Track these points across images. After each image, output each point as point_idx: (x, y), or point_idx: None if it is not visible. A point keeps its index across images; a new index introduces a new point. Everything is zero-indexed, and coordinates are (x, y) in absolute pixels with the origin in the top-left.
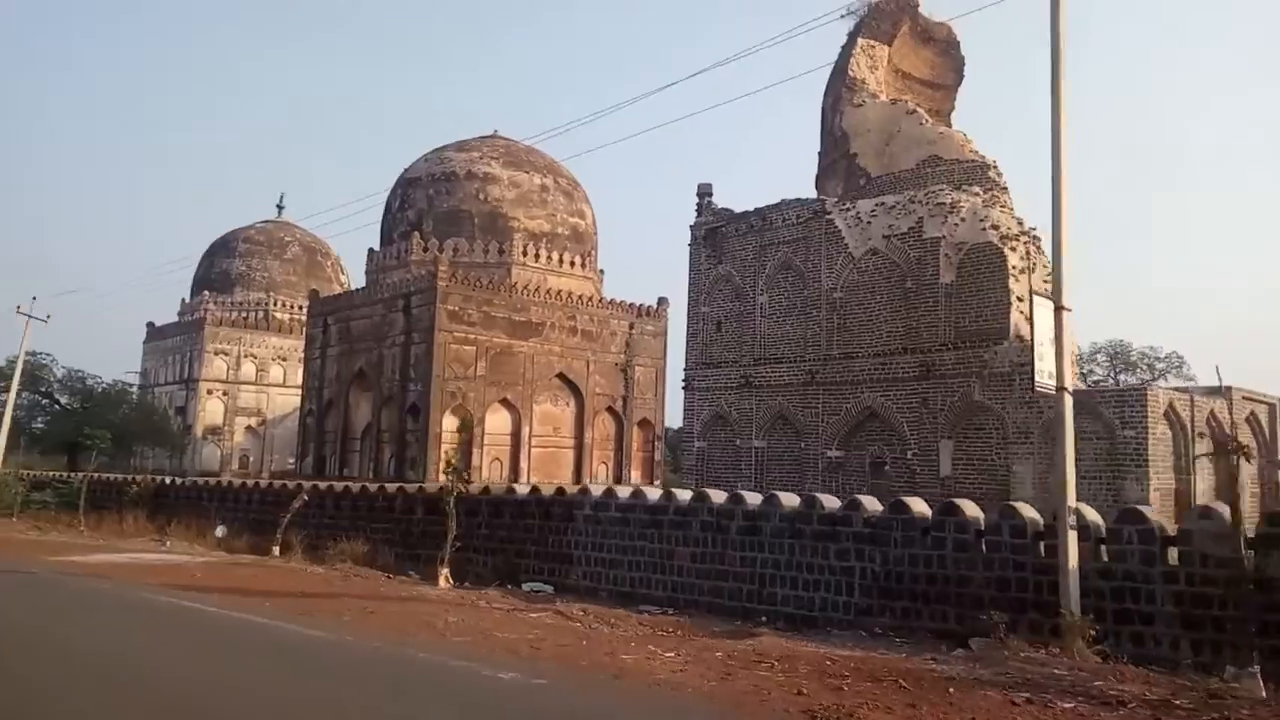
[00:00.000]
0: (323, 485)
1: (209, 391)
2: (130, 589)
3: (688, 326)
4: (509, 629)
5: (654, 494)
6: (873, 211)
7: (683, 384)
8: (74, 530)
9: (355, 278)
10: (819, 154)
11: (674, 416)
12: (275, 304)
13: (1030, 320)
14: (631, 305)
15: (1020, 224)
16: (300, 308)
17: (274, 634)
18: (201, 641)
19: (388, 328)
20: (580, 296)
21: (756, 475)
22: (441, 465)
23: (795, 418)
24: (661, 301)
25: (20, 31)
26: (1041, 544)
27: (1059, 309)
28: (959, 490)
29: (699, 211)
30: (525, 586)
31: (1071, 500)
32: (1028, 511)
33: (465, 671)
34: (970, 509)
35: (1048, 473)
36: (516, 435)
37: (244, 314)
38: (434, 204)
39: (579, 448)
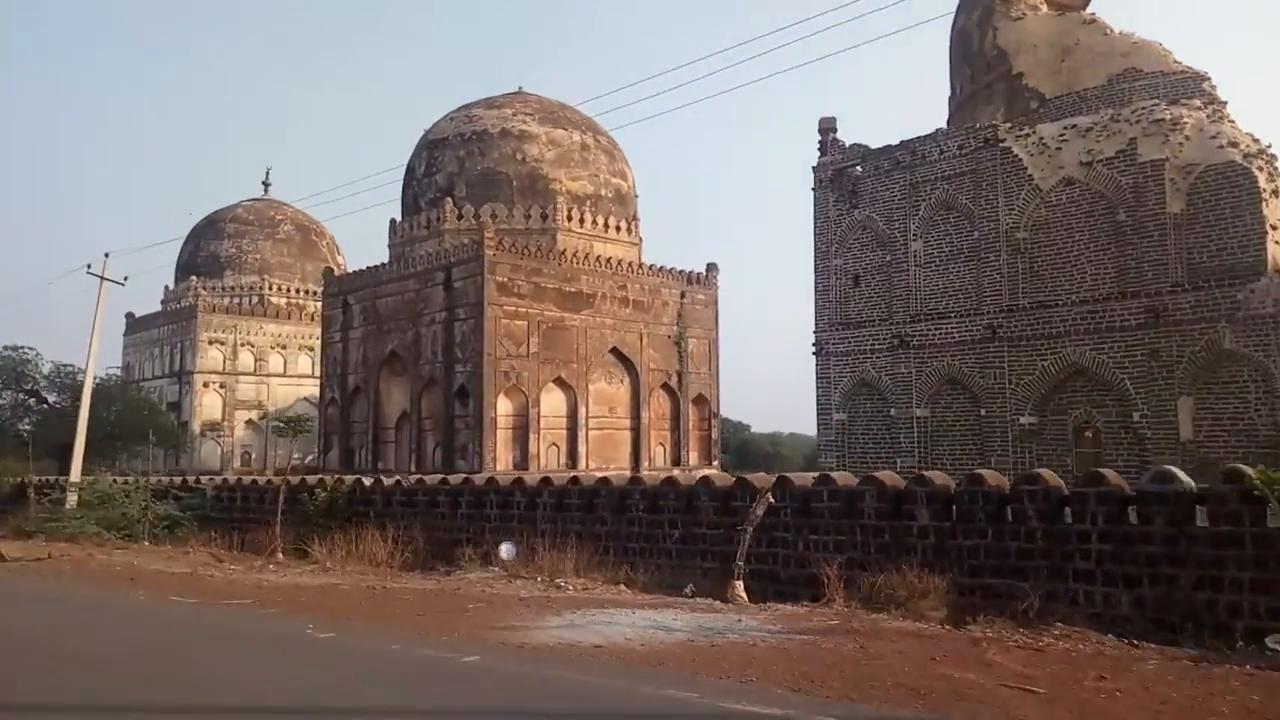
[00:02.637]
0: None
1: (205, 384)
2: None
3: (816, 283)
4: None
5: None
6: (1062, 135)
7: (813, 349)
8: (239, 558)
9: (350, 258)
10: (954, 84)
11: (727, 392)
12: (270, 288)
13: None
14: (681, 272)
15: (1256, 140)
16: (297, 290)
17: None
18: None
19: (424, 304)
20: (629, 264)
21: (920, 449)
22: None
23: (971, 380)
24: (711, 268)
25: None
26: None
27: None
28: (1206, 456)
29: (823, 149)
30: (1270, 642)
31: None
32: None
33: None
34: None
35: None
36: (573, 417)
37: (237, 299)
38: (465, 166)
39: (636, 428)
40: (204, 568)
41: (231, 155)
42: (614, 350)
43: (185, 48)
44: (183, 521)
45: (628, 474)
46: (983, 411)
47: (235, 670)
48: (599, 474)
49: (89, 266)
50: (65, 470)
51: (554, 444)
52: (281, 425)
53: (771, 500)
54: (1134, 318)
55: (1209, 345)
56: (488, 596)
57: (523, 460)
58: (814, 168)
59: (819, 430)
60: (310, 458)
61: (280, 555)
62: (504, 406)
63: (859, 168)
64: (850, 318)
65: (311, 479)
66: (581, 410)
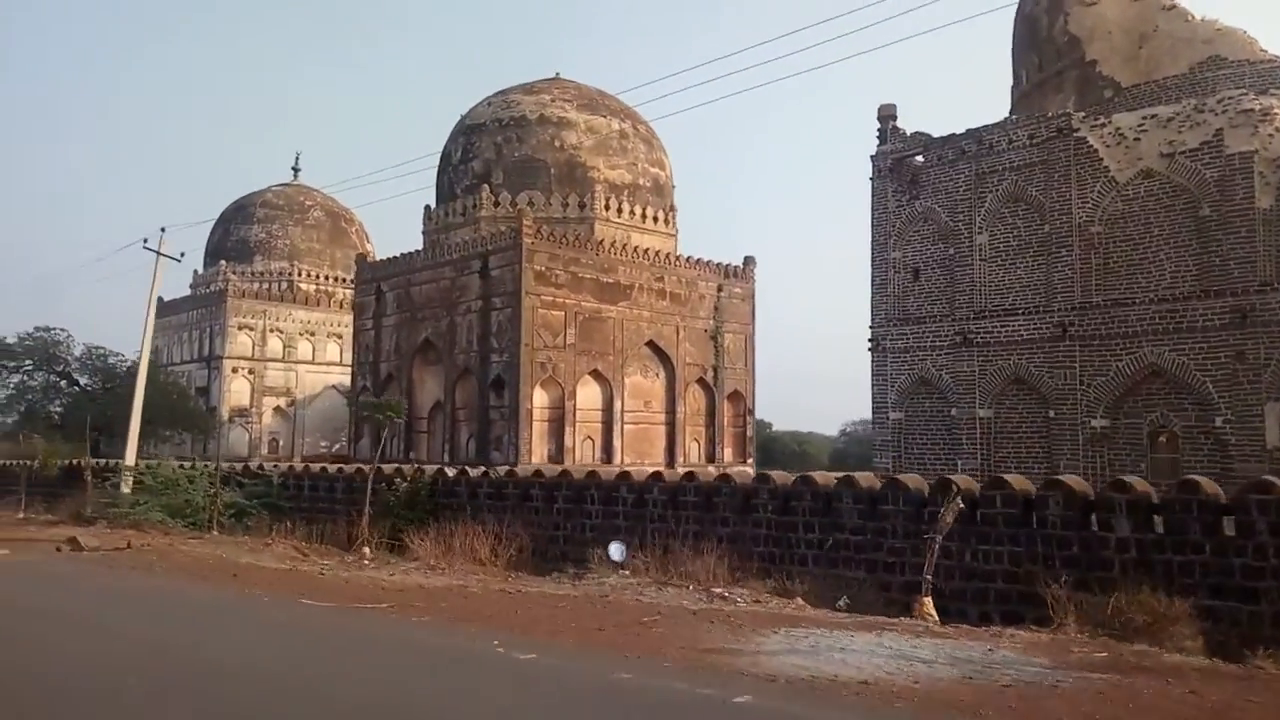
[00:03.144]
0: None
1: (234, 370)
2: None
3: (872, 276)
4: None
5: None
6: (1140, 126)
7: (869, 344)
8: (325, 551)
9: (378, 246)
10: (1019, 71)
11: (762, 388)
12: (299, 274)
13: None
14: (719, 265)
15: None
16: (327, 277)
17: None
18: None
19: (459, 293)
20: (667, 255)
21: (982, 451)
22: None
23: (1039, 380)
24: (748, 261)
25: None
26: None
27: None
28: None
29: (882, 138)
30: None
31: None
32: None
33: None
34: None
35: None
36: (608, 410)
37: (266, 284)
38: (503, 153)
39: (671, 424)
40: (294, 561)
41: (259, 141)
42: (650, 343)
43: (213, 35)
44: (250, 510)
45: (663, 470)
46: (1051, 413)
47: (489, 713)
48: (634, 469)
49: (145, 241)
50: (96, 453)
51: (589, 437)
52: (373, 407)
53: (961, 506)
54: (1218, 317)
55: None
56: (651, 607)
57: (558, 453)
58: (872, 156)
59: (874, 429)
60: (338, 446)
61: (368, 550)
62: (540, 398)
63: (920, 157)
64: (909, 312)
65: (387, 468)
66: (617, 404)
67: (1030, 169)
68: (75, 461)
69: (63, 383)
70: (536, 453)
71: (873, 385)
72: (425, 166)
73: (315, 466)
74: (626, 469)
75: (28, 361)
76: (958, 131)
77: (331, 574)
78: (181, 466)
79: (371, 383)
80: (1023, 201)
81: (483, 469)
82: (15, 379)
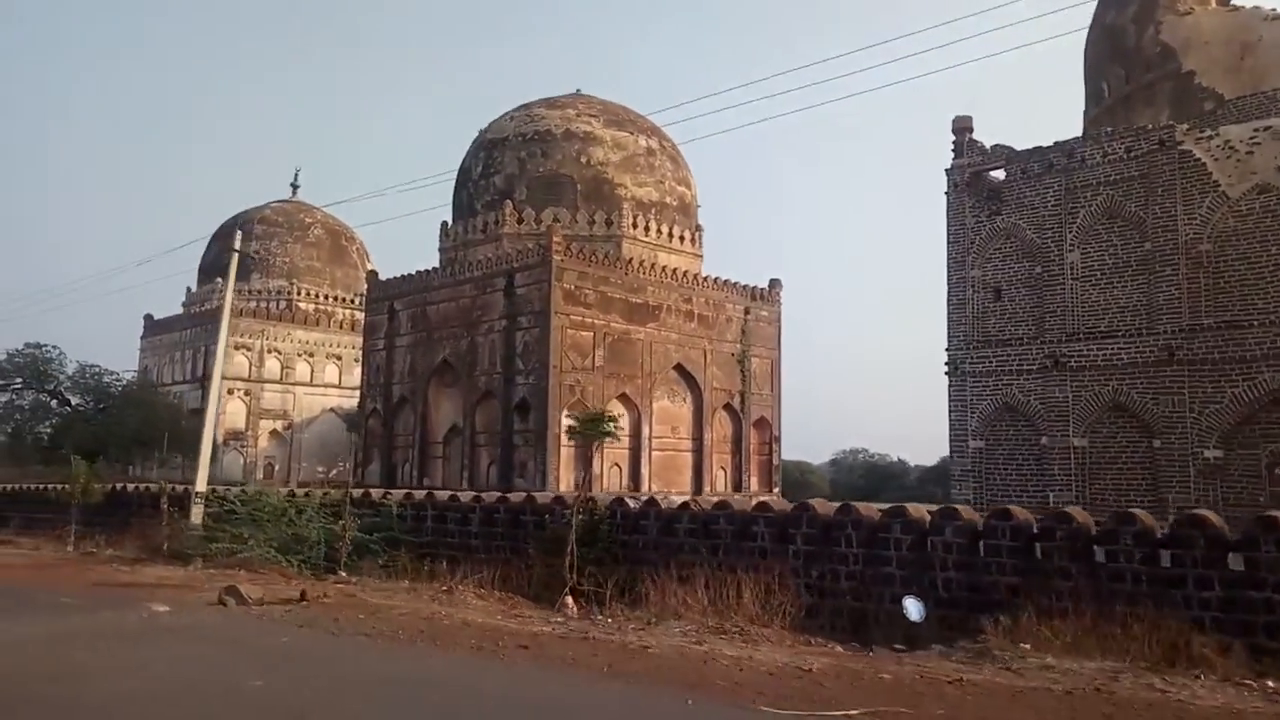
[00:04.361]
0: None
1: (229, 391)
2: None
3: (949, 295)
4: None
5: None
6: (1253, 138)
7: (945, 368)
8: (514, 601)
9: (378, 265)
10: (1099, 84)
11: (788, 414)
12: (298, 292)
13: None
14: (745, 287)
15: None
16: (326, 296)
17: None
18: None
19: (481, 311)
20: (695, 276)
21: (1077, 483)
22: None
23: (1142, 408)
24: (774, 284)
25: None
26: None
27: None
28: None
29: (958, 151)
30: None
31: None
32: None
33: None
34: None
35: None
36: (636, 435)
37: (263, 303)
38: (526, 168)
39: (698, 450)
40: (509, 617)
41: (256, 158)
42: (678, 366)
43: (205, 47)
44: (373, 547)
45: (690, 497)
46: (1157, 443)
47: None
48: (662, 497)
49: (225, 240)
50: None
51: (615, 464)
52: (585, 422)
53: None
54: None
55: None
56: (1114, 698)
57: (585, 481)
58: (948, 170)
59: (951, 459)
60: (335, 472)
61: (570, 601)
62: (567, 422)
63: (1002, 171)
64: (990, 335)
65: (540, 497)
66: (645, 429)
67: (1128, 183)
68: (121, 486)
69: (53, 402)
70: (564, 480)
71: (950, 412)
72: (429, 184)
73: (441, 494)
74: (849, 503)
75: (17, 380)
76: (1045, 144)
77: (613, 639)
78: (299, 494)
79: (383, 405)
80: (1119, 218)
81: (685, 501)
82: (3, 398)
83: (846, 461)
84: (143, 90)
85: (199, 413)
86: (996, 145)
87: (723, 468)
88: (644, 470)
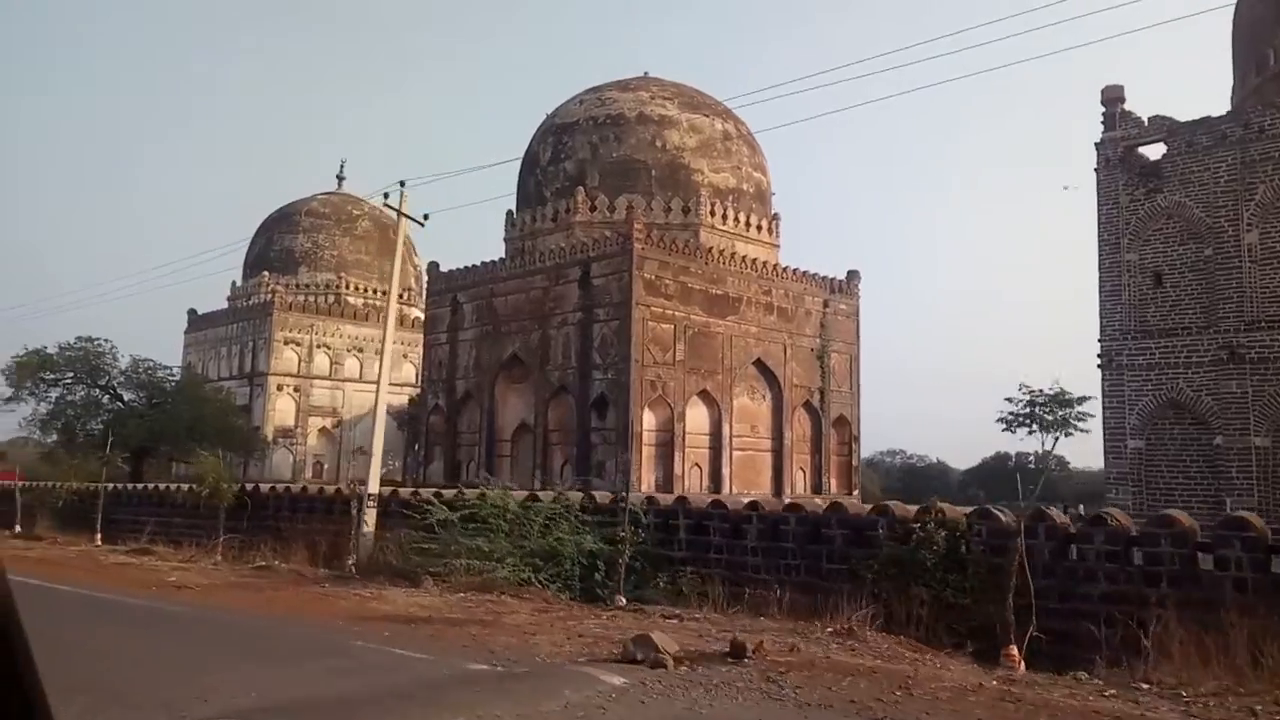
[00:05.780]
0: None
1: (279, 387)
2: None
3: (1102, 282)
4: None
5: None
6: None
7: (1099, 360)
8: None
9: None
10: (1267, 49)
11: (867, 412)
12: (346, 286)
13: None
14: (824, 279)
15: None
16: (374, 291)
17: None
18: None
19: (554, 304)
20: (774, 267)
21: (1260, 487)
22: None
23: None
24: (852, 275)
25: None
26: None
27: None
28: None
29: (1108, 124)
30: None
31: None
32: None
33: None
34: None
35: None
36: (716, 434)
37: (311, 297)
38: (599, 153)
39: (778, 450)
40: (1005, 684)
41: (296, 151)
42: (757, 362)
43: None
44: (635, 565)
45: (770, 499)
46: None
47: None
48: (746, 499)
49: (385, 196)
50: (138, 477)
51: (696, 464)
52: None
53: None
54: None
55: None
56: None
57: (666, 482)
58: (1097, 144)
59: (1107, 460)
60: (385, 470)
61: (1015, 654)
62: (648, 420)
63: (1163, 144)
64: (1150, 324)
65: (852, 508)
66: (725, 428)
67: None
68: (254, 486)
69: (105, 398)
70: (644, 481)
71: (1104, 408)
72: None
73: (698, 500)
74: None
75: (69, 374)
76: (1210, 115)
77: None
78: (546, 498)
79: (445, 401)
80: None
81: (995, 510)
82: (55, 393)
83: (884, 464)
84: (175, 84)
85: (246, 409)
86: (1156, 116)
87: (802, 468)
88: (724, 471)
